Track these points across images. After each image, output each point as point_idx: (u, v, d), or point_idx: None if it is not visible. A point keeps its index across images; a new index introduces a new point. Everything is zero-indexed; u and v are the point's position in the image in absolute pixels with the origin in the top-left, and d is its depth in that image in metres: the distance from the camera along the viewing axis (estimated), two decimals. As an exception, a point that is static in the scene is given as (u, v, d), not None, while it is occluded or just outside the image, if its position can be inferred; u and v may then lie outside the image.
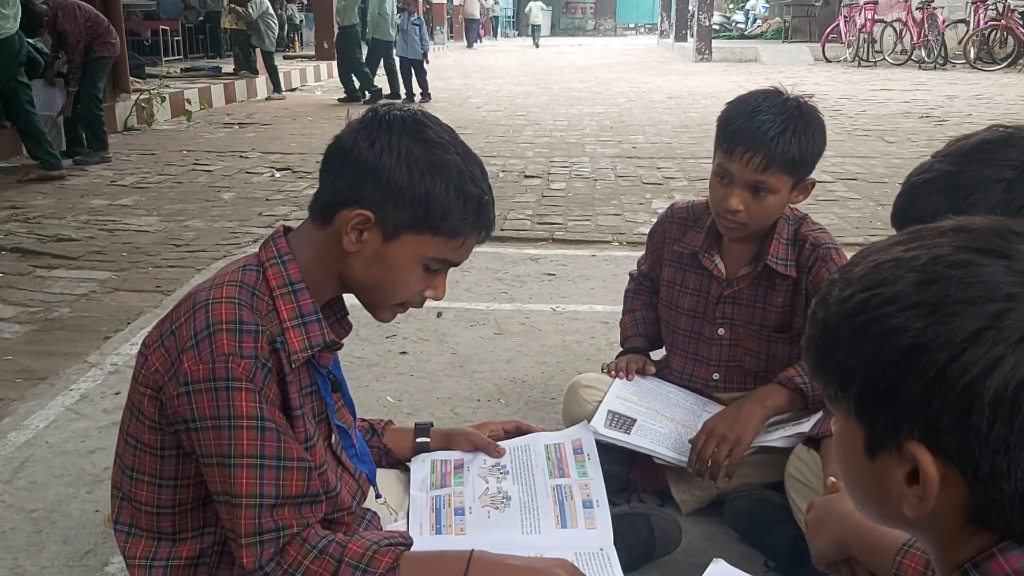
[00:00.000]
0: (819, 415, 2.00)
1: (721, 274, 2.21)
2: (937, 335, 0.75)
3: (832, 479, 1.71)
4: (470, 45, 30.71)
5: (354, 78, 11.92)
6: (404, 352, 3.25)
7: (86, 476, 2.36)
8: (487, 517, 1.73)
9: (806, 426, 2.01)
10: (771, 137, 1.97)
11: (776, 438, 2.04)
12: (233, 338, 1.28)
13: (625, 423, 2.12)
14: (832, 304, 0.83)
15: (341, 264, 1.42)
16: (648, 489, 2.22)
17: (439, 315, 3.59)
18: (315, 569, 1.30)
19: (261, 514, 1.28)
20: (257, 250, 1.44)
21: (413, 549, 1.62)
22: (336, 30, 12.46)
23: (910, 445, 0.78)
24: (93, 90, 7.14)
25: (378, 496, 1.67)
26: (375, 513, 1.65)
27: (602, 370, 2.32)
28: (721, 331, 2.26)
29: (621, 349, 2.46)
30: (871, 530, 1.53)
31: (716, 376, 2.31)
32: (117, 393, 2.88)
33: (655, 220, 2.47)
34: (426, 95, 12.11)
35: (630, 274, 2.56)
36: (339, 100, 11.97)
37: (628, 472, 2.19)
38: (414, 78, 12.16)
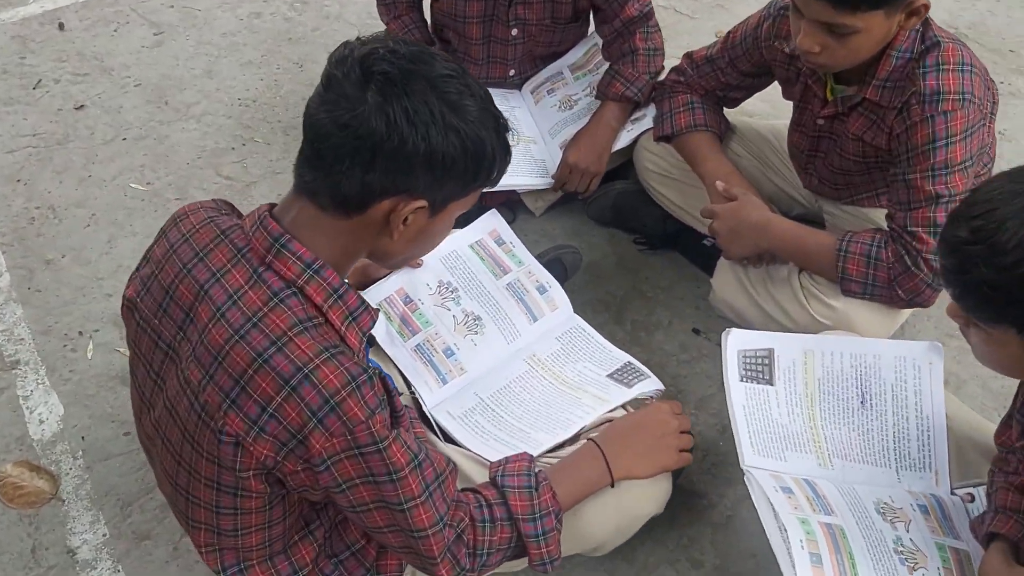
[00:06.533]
0: (651, 108, 2.19)
1: None
2: None
3: (720, 183, 1.99)
4: None
5: None
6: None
7: None
8: (473, 346, 1.80)
9: (646, 121, 2.19)
10: None
11: (621, 142, 2.21)
12: (358, 400, 1.17)
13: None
14: (1002, 269, 1.11)
15: (372, 245, 1.29)
16: (498, 201, 2.33)
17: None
18: (498, 540, 1.38)
19: (445, 531, 1.31)
20: (269, 261, 1.21)
21: (430, 406, 1.72)
22: None
23: None
24: None
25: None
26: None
27: None
28: (514, 32, 2.24)
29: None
30: (799, 236, 1.88)
31: (512, 72, 2.34)
32: None
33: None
34: None
35: None
36: None
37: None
38: None
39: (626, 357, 1.79)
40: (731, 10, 3.10)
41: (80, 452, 1.89)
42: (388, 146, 1.14)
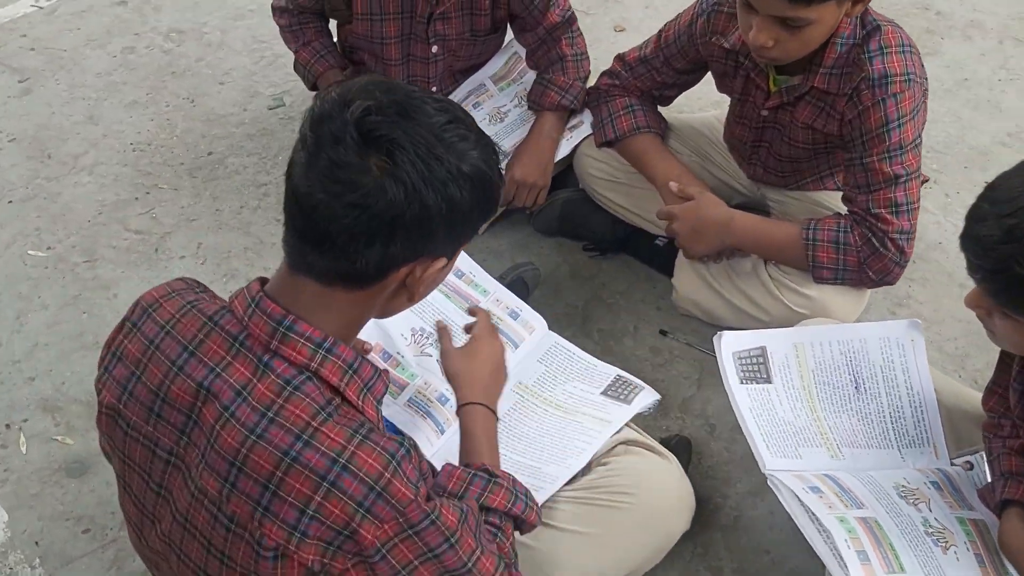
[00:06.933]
0: (587, 114, 2.16)
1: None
2: None
3: (673, 184, 1.99)
4: None
5: None
6: None
7: None
8: None
9: (584, 128, 2.16)
10: None
11: (562, 151, 2.17)
12: (402, 478, 1.09)
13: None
14: None
15: (383, 308, 1.20)
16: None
17: None
18: (512, 538, 1.32)
19: (502, 570, 1.23)
20: (274, 347, 1.10)
21: (430, 457, 1.65)
22: None
23: None
24: None
25: None
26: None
27: None
28: (434, 49, 2.16)
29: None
30: (764, 230, 1.89)
31: (435, 89, 2.26)
32: None
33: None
34: None
35: None
36: None
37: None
38: None
39: (614, 371, 1.76)
40: (625, 3, 3.11)
41: (37, 560, 1.71)
42: (410, 215, 1.04)
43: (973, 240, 1.18)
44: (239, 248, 2.28)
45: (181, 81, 2.78)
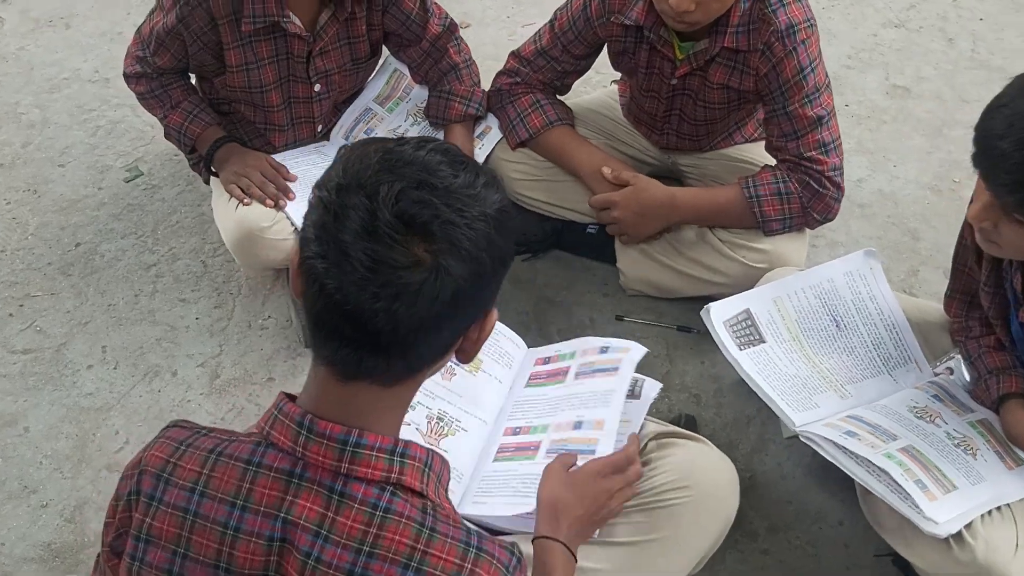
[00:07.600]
0: (491, 119, 2.11)
1: (300, 30, 1.89)
2: None
3: (606, 169, 2.00)
4: None
5: None
6: None
7: None
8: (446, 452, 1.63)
9: (493, 133, 2.11)
10: None
11: (479, 157, 2.10)
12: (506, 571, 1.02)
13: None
14: None
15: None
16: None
17: None
18: None
19: None
20: (345, 470, 0.98)
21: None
22: None
23: None
24: None
25: None
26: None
27: None
28: (317, 87, 2.03)
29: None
30: (707, 199, 1.93)
31: (320, 128, 2.14)
32: None
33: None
34: None
35: None
36: None
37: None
38: None
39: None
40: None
41: None
42: (470, 283, 0.97)
43: (996, 158, 1.22)
44: (151, 341, 2.07)
45: (14, 172, 2.48)
